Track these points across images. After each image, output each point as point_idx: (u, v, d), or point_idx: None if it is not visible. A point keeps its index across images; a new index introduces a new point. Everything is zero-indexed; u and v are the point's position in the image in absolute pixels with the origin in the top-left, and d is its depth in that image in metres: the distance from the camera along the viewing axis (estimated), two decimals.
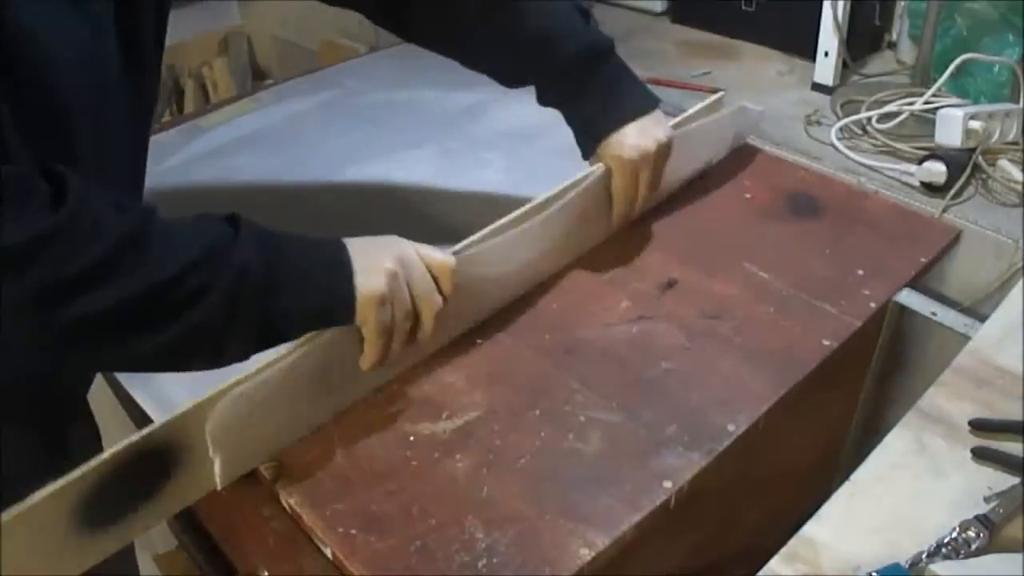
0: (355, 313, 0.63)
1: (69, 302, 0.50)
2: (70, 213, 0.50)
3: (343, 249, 0.64)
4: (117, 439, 0.57)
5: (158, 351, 0.56)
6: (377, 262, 0.64)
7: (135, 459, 0.58)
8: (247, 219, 0.60)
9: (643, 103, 0.84)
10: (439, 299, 0.67)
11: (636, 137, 0.82)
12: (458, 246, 0.73)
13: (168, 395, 0.72)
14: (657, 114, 0.84)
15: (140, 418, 0.73)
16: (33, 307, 0.49)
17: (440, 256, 0.68)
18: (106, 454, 0.56)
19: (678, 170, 0.92)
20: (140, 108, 0.65)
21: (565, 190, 0.81)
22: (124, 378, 0.77)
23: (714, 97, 0.98)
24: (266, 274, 0.58)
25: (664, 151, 0.84)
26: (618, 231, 0.90)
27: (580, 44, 0.80)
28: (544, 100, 0.85)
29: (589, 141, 0.84)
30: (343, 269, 0.63)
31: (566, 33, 0.81)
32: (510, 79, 0.85)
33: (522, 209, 0.78)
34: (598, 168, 0.83)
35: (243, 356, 0.61)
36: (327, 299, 0.63)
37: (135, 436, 0.57)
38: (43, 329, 0.51)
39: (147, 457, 0.59)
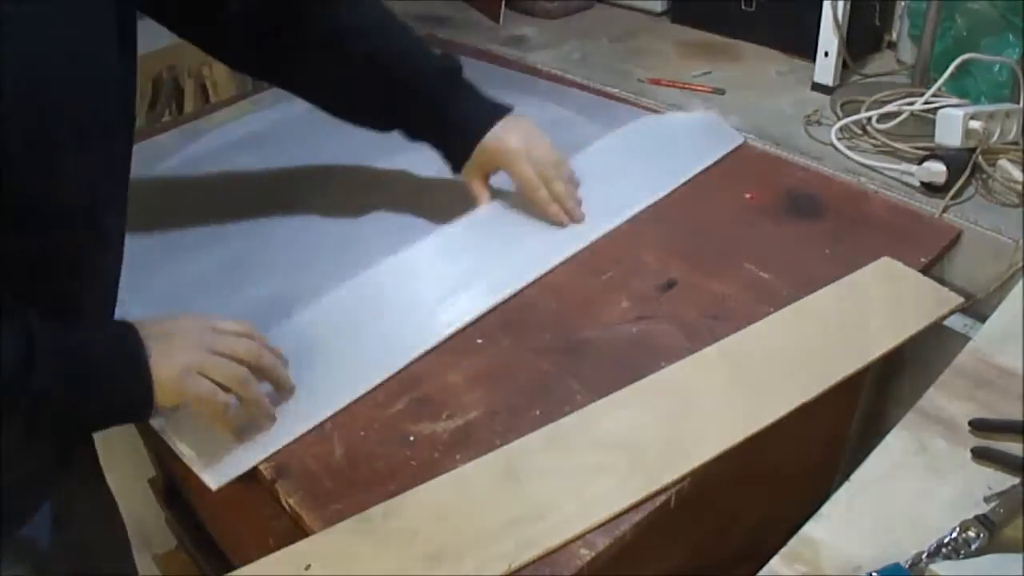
0: (153, 410, 0.62)
1: None
2: None
3: (139, 353, 0.61)
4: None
5: None
6: (174, 361, 0.62)
7: None
8: (40, 333, 0.57)
9: (500, 107, 0.88)
10: (244, 374, 0.65)
11: (512, 133, 0.86)
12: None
13: None
14: (515, 115, 0.88)
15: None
16: None
17: (236, 324, 0.67)
18: None
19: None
20: (120, 119, 0.63)
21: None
22: None
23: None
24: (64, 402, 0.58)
25: (539, 141, 0.88)
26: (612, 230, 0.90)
27: (432, 69, 0.85)
28: (406, 125, 0.88)
29: (460, 151, 0.87)
30: (140, 375, 0.61)
31: (416, 59, 0.85)
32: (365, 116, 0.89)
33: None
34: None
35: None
36: (125, 411, 0.63)
37: None
38: None
39: None
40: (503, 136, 0.86)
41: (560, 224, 0.88)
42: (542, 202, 0.87)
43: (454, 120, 0.86)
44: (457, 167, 0.89)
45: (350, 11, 0.83)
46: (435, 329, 0.78)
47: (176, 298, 0.83)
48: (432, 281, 0.83)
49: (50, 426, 0.60)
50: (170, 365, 0.61)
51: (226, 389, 0.63)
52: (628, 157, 1.00)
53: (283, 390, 0.70)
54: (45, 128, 0.52)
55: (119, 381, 0.60)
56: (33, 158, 0.52)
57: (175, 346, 0.62)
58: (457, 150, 0.88)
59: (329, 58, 0.83)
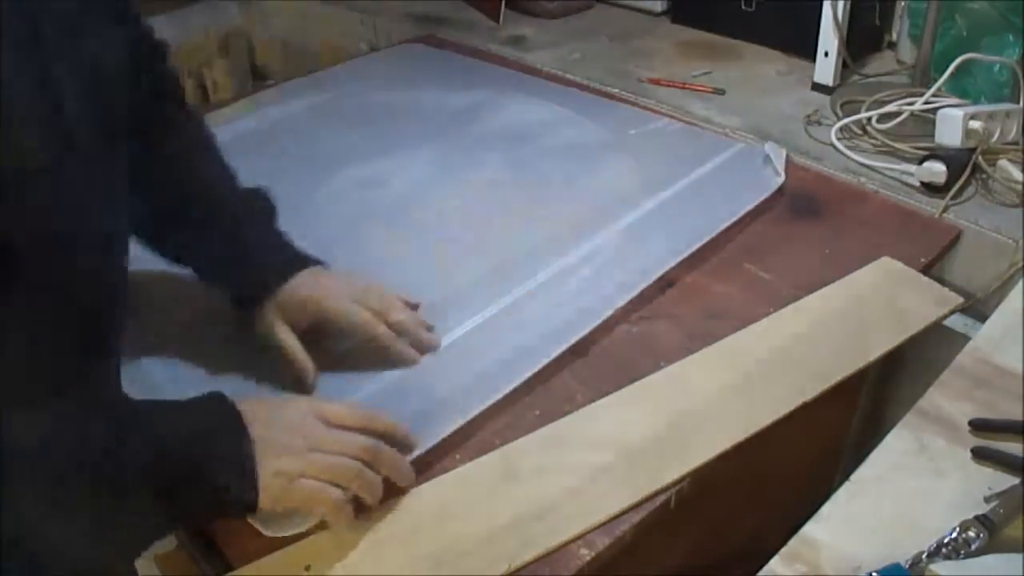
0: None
1: None
2: None
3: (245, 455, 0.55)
4: None
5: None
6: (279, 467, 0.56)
7: None
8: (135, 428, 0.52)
9: (306, 257, 0.75)
10: (354, 466, 0.58)
11: (323, 276, 0.74)
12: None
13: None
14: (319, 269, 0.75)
15: None
16: None
17: (349, 414, 0.61)
18: None
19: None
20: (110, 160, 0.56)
21: None
22: None
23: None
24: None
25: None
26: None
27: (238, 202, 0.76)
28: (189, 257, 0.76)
29: (255, 295, 0.73)
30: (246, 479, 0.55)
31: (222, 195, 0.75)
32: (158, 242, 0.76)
33: None
34: None
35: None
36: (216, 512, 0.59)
37: None
38: None
39: None
40: (315, 278, 0.73)
41: (413, 362, 0.74)
42: (384, 338, 0.73)
43: (258, 252, 0.74)
44: (250, 305, 0.73)
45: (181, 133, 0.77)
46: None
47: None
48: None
49: (132, 517, 0.53)
50: (271, 474, 0.55)
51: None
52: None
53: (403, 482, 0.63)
54: (57, 135, 0.50)
55: (222, 482, 0.54)
56: (44, 167, 0.50)
57: (275, 447, 0.56)
58: (255, 286, 0.73)
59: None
